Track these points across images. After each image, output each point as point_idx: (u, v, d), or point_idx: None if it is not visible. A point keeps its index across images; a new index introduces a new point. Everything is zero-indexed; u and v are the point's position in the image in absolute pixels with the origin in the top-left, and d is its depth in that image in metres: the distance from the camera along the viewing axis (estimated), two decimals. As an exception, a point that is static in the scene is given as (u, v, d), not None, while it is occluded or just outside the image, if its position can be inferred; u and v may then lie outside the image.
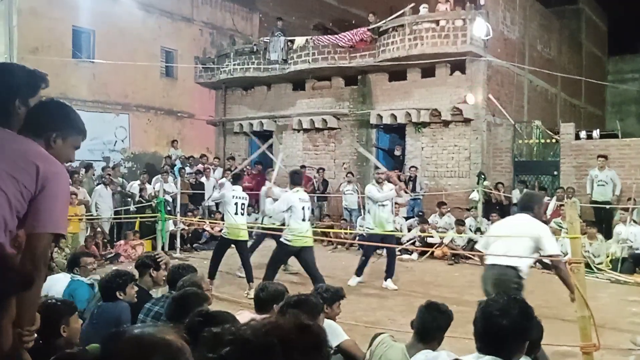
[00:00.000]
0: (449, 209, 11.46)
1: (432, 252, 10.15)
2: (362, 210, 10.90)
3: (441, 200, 11.93)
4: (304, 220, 6.77)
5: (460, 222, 10.59)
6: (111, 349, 1.15)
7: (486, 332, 2.17)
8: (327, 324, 3.37)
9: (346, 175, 13.02)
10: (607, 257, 9.22)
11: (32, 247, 1.87)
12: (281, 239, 6.90)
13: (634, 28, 21.94)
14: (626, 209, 9.82)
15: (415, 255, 10.41)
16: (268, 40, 14.98)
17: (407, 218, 11.71)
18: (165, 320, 3.55)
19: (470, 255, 9.70)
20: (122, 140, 14.95)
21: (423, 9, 12.73)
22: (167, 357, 1.14)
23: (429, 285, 8.17)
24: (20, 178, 1.85)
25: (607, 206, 10.60)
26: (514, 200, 11.77)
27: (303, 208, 6.77)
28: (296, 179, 7.10)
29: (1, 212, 1.80)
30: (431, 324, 2.97)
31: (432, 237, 10.59)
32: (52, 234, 1.94)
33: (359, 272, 8.01)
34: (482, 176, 11.72)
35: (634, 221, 9.77)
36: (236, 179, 8.22)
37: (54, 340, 2.77)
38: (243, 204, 7.73)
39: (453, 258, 10.07)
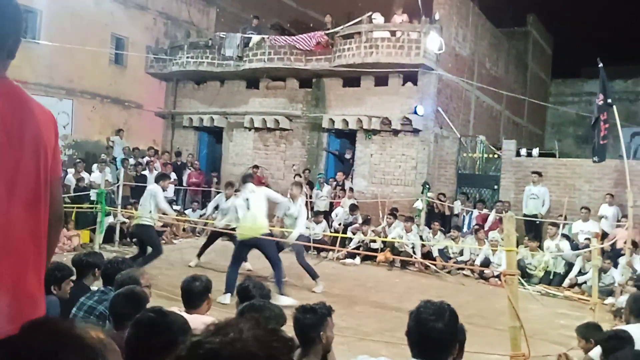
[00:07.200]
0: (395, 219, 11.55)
1: (375, 257, 10.28)
2: (308, 213, 10.89)
3: (388, 207, 12.09)
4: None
5: (410, 219, 10.73)
6: (24, 338, 1.07)
7: (423, 337, 2.23)
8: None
9: (294, 177, 13.00)
10: (541, 265, 9.65)
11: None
12: None
13: (576, 53, 23.07)
14: (555, 224, 10.28)
15: (358, 260, 10.54)
16: (224, 36, 14.79)
17: (349, 224, 11.73)
18: (98, 316, 3.45)
19: (419, 261, 9.94)
20: (64, 127, 14.31)
21: (374, 20, 12.93)
22: (78, 353, 1.07)
23: (371, 291, 8.28)
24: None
25: (537, 220, 11.11)
26: (456, 211, 12.14)
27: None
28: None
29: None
30: (306, 326, 2.96)
31: (374, 242, 10.74)
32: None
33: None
34: (427, 186, 12.03)
35: (563, 235, 10.27)
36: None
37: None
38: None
39: (393, 263, 10.22)
